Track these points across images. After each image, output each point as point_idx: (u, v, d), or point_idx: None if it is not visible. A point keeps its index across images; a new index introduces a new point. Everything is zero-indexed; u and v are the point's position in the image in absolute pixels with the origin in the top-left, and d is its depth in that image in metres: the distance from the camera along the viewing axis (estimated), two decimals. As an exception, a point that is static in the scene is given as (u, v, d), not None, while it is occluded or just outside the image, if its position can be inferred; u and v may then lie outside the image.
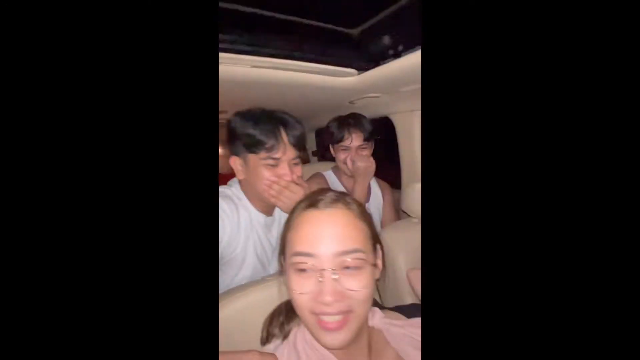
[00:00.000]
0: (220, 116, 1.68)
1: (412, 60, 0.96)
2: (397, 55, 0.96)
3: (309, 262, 0.50)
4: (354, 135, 1.34)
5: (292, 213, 0.58)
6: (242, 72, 0.97)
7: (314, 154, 2.50)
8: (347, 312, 0.49)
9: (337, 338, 0.49)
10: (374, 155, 1.38)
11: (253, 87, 1.13)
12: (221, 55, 0.85)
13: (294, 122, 0.94)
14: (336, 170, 1.51)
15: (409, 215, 1.14)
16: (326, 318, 0.49)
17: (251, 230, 0.97)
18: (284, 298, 0.61)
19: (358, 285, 0.50)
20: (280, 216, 1.05)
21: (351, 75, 1.11)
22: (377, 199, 1.49)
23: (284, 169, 0.90)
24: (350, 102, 1.43)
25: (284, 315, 0.61)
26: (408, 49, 0.93)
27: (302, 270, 0.51)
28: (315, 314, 0.49)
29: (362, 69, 1.08)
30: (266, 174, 0.90)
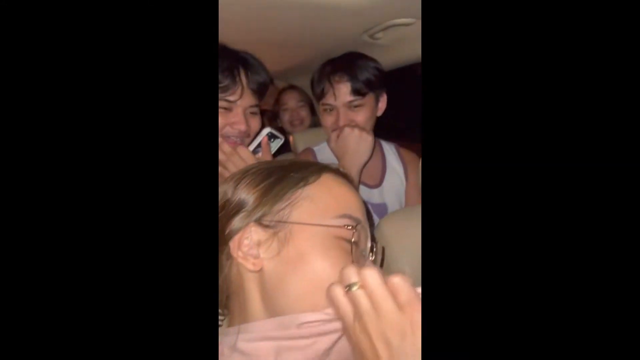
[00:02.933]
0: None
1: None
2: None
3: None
4: (336, 87, 0.93)
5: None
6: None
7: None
8: None
9: None
10: (390, 114, 0.96)
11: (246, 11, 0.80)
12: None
13: (258, 66, 0.82)
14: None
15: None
16: None
17: None
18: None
19: None
20: None
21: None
22: (396, 180, 1.08)
23: (237, 115, 0.77)
24: (371, 37, 1.01)
25: None
26: None
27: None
28: None
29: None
30: (219, 120, 0.76)
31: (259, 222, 0.42)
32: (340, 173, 0.49)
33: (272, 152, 0.85)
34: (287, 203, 0.43)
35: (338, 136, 0.93)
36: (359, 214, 0.45)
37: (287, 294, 0.39)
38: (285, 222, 0.41)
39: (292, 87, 1.73)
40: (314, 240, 0.41)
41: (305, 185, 0.44)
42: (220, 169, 0.75)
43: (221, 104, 0.76)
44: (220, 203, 0.45)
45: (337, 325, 0.37)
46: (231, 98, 0.76)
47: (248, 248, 0.41)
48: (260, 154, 0.82)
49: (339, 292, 0.35)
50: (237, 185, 0.45)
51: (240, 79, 0.77)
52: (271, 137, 0.85)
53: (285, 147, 1.45)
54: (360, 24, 0.91)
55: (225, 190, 0.46)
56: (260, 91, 0.82)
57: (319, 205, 0.43)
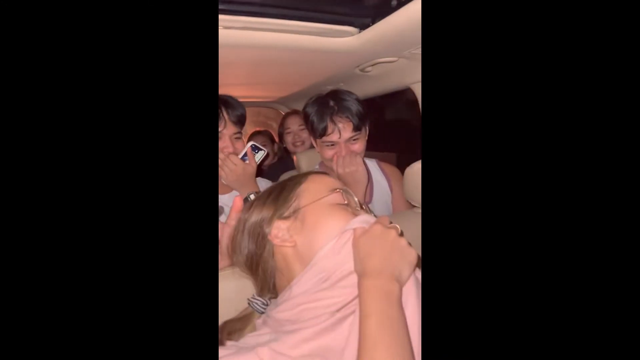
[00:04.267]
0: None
1: (418, 12, 0.75)
2: (397, 6, 0.76)
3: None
4: (340, 126, 1.05)
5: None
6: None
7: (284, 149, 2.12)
8: None
9: None
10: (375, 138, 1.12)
11: (239, 52, 0.99)
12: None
13: (235, 103, 1.07)
14: (324, 166, 1.22)
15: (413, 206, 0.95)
16: None
17: None
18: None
19: None
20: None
21: (351, 34, 0.92)
22: (383, 193, 1.23)
23: (225, 142, 1.04)
24: (362, 70, 1.23)
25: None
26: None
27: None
28: None
29: (363, 26, 0.89)
30: None
31: (280, 217, 0.60)
32: (321, 172, 0.67)
33: (258, 161, 1.09)
34: (293, 199, 0.61)
35: (339, 165, 1.07)
36: (342, 186, 0.63)
37: (314, 249, 0.56)
38: (297, 209, 0.59)
39: (294, 112, 1.93)
40: (320, 210, 0.58)
41: (300, 185, 0.62)
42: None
43: None
44: (236, 229, 0.64)
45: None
46: (219, 129, 1.02)
47: (282, 235, 0.59)
48: (247, 161, 1.05)
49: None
50: (247, 216, 0.64)
51: (224, 115, 1.03)
52: (255, 149, 1.09)
53: (290, 166, 1.64)
54: (353, 60, 1.12)
55: (237, 226, 0.65)
56: (240, 121, 1.07)
57: (313, 191, 0.61)
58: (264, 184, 1.18)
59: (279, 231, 0.59)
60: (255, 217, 0.62)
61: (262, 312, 0.61)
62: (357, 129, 1.08)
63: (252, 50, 0.98)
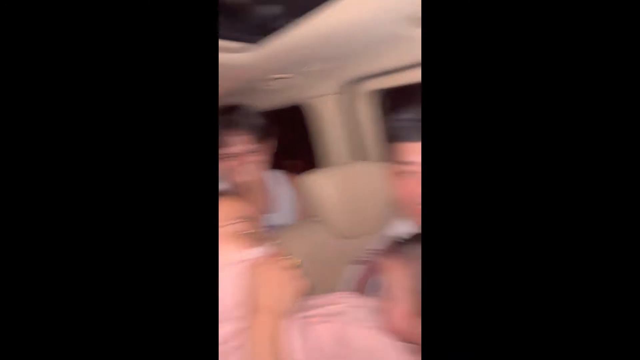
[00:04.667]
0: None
1: (308, 32, 0.82)
2: (283, 25, 0.82)
3: None
4: (237, 138, 1.05)
5: None
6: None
7: None
8: None
9: None
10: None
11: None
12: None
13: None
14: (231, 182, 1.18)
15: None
16: None
17: None
18: None
19: None
20: None
21: (244, 50, 0.95)
22: (290, 203, 1.28)
23: None
24: (264, 84, 1.26)
25: None
26: (295, 16, 0.79)
27: None
28: None
29: (253, 42, 0.93)
30: None
31: None
32: (231, 195, 0.68)
33: None
34: None
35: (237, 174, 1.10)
36: (249, 212, 0.65)
37: None
38: None
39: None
40: (221, 238, 0.59)
41: None
42: None
43: None
44: None
45: None
46: None
47: None
48: None
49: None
50: None
51: None
52: None
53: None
54: (250, 75, 1.15)
55: None
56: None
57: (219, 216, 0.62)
58: None
59: None
60: None
61: None
62: (254, 141, 1.10)
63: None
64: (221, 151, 1.09)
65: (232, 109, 1.16)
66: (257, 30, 0.88)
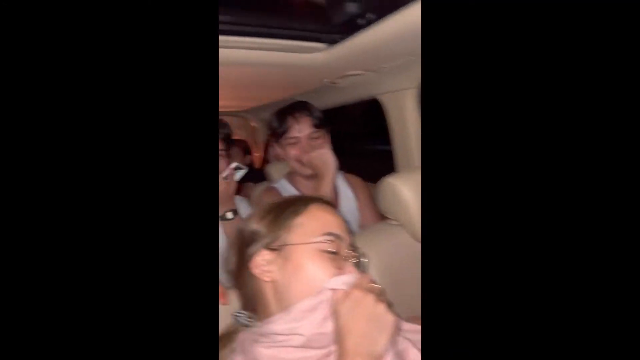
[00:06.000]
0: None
1: (386, 31, 0.78)
2: (366, 25, 0.79)
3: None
4: (301, 121, 1.12)
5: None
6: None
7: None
8: None
9: None
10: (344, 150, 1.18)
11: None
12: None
13: (222, 123, 1.14)
14: (291, 176, 1.25)
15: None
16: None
17: None
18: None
19: None
20: None
21: (320, 50, 0.94)
22: (349, 201, 1.26)
23: None
24: (332, 82, 1.25)
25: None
26: (379, 17, 0.76)
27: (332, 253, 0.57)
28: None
29: (332, 42, 0.91)
30: None
31: (267, 247, 0.58)
32: (323, 201, 0.65)
33: (237, 179, 1.10)
34: (285, 231, 0.58)
35: (305, 153, 1.13)
36: (339, 230, 0.60)
37: (291, 293, 0.55)
38: (284, 244, 0.57)
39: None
40: (307, 255, 0.56)
41: (296, 215, 0.60)
42: None
43: None
44: (237, 234, 0.64)
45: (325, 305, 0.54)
46: None
47: (262, 266, 0.57)
48: (227, 179, 1.06)
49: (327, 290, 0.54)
50: (249, 219, 0.64)
51: None
52: (236, 168, 1.10)
53: (262, 177, 1.64)
54: (321, 74, 1.15)
55: (239, 225, 0.65)
56: (226, 140, 1.12)
57: (307, 229, 0.58)
58: (239, 201, 1.18)
59: (261, 261, 0.58)
60: (249, 228, 0.61)
61: (248, 326, 0.60)
62: (316, 126, 1.14)
63: (227, 67, 0.98)
64: (285, 136, 1.15)
65: (294, 102, 1.21)
66: (337, 29, 0.86)
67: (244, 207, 1.16)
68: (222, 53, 0.87)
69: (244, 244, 0.61)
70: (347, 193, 1.28)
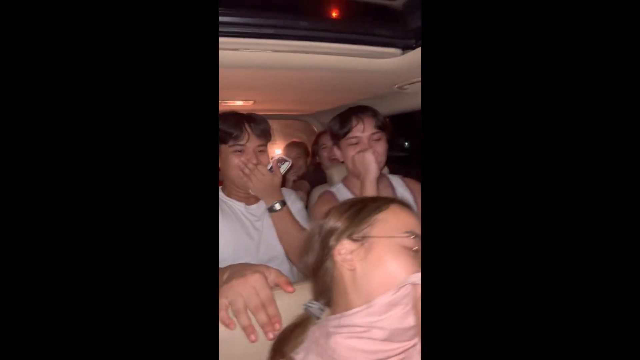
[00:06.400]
0: (246, 105, 1.64)
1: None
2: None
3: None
4: (365, 121, 1.12)
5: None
6: (263, 57, 0.88)
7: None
8: None
9: None
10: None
11: (279, 73, 1.03)
12: (237, 40, 0.78)
13: (259, 119, 1.12)
14: (348, 180, 1.26)
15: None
16: None
17: (234, 219, 1.11)
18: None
19: None
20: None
21: (394, 55, 0.93)
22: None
23: (249, 154, 1.08)
24: (401, 88, 1.24)
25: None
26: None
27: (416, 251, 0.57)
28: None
29: (406, 47, 0.91)
30: (235, 160, 1.07)
31: (349, 237, 0.60)
32: (403, 203, 0.66)
33: (283, 172, 1.13)
34: (368, 224, 0.60)
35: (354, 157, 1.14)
36: (418, 231, 0.61)
37: (371, 285, 0.56)
38: (367, 236, 0.59)
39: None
40: (389, 248, 0.57)
41: (380, 211, 0.61)
42: (245, 179, 1.07)
43: (235, 148, 1.07)
44: (312, 232, 0.66)
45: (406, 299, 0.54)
46: (241, 142, 1.07)
47: (344, 254, 0.59)
48: (272, 171, 1.09)
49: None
50: (326, 218, 0.65)
51: (246, 129, 1.07)
52: (281, 161, 1.12)
53: (321, 179, 1.66)
54: (393, 80, 1.14)
55: (314, 225, 0.67)
56: (263, 135, 1.11)
57: (390, 225, 0.59)
58: (287, 193, 1.21)
59: (344, 250, 0.59)
60: (330, 224, 0.63)
61: (319, 317, 0.61)
62: (378, 127, 1.15)
63: (298, 71, 1.01)
64: (348, 136, 1.16)
65: (355, 107, 1.21)
66: (413, 35, 0.86)
67: (292, 199, 1.19)
68: (298, 58, 0.91)
69: (325, 236, 0.63)
70: (406, 196, 1.26)
